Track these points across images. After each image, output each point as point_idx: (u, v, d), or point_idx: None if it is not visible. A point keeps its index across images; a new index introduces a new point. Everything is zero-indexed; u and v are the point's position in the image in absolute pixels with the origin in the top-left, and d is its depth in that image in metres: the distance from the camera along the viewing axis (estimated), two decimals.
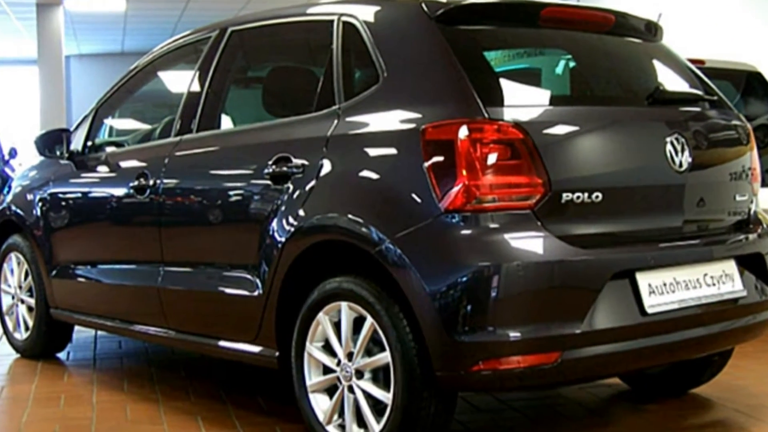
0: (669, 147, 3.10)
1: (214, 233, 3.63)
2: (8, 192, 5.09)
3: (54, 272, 4.53)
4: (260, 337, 3.35)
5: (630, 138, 3.11)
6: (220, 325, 3.62)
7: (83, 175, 4.44)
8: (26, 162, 8.11)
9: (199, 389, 4.11)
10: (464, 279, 2.71)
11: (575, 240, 2.82)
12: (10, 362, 4.81)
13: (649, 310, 2.90)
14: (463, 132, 2.78)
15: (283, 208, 3.22)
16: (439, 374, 2.78)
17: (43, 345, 4.80)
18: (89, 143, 4.49)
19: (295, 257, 3.16)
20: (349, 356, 3.02)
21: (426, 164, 2.82)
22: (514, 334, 2.70)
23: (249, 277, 3.37)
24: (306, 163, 3.19)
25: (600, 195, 2.89)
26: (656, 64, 3.50)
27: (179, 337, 3.83)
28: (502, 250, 2.74)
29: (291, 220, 3.18)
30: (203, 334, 3.69)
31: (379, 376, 2.95)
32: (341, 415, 3.06)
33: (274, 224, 3.24)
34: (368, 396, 2.97)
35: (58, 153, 4.52)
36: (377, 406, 2.96)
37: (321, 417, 3.11)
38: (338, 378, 3.05)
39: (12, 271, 4.93)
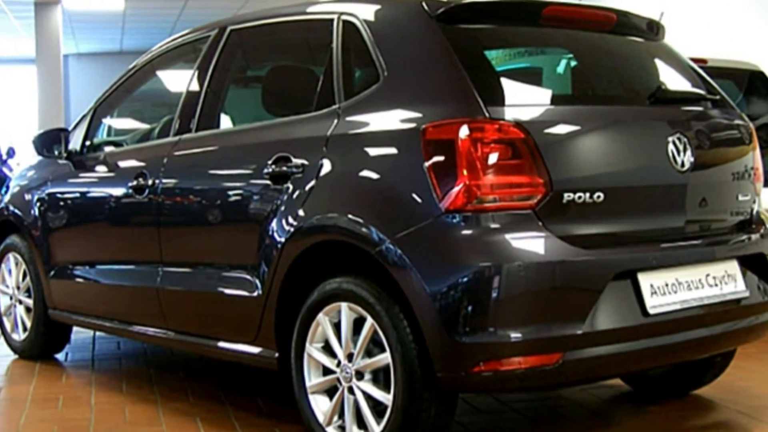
0: (671, 147, 3.08)
1: (214, 233, 3.62)
2: (6, 192, 5.08)
3: (52, 273, 4.52)
4: (260, 338, 3.34)
5: (632, 138, 3.10)
6: (220, 325, 3.61)
7: (81, 175, 4.43)
8: (24, 162, 8.09)
9: (198, 390, 4.10)
10: (465, 279, 2.70)
11: (577, 240, 2.81)
12: (8, 363, 4.79)
13: (651, 311, 2.89)
14: (463, 131, 2.77)
15: (282, 208, 3.21)
16: (439, 375, 2.77)
17: (41, 346, 4.79)
18: (88, 143, 4.48)
19: (295, 257, 3.15)
20: (349, 357, 3.00)
21: (426, 164, 2.81)
22: (515, 335, 2.69)
23: (248, 277, 3.36)
24: (306, 162, 3.18)
25: (602, 195, 2.88)
26: (658, 63, 3.49)
27: (178, 338, 3.81)
28: (503, 251, 2.73)
29: (291, 220, 3.16)
30: (202, 335, 3.68)
31: (380, 377, 2.94)
32: (341, 416, 3.05)
33: (274, 224, 3.23)
34: (368, 397, 2.96)
35: (56, 153, 4.51)
36: (377, 408, 2.94)
37: (321, 418, 3.10)
38: (338, 379, 3.04)
39: (10, 272, 4.92)
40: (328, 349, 3.09)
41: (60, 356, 4.91)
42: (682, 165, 3.10)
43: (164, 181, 3.80)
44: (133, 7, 14.38)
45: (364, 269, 2.97)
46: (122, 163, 4.22)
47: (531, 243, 2.75)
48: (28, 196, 4.71)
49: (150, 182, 3.85)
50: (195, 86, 3.87)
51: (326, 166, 3.11)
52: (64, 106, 14.18)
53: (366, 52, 3.16)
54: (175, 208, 3.78)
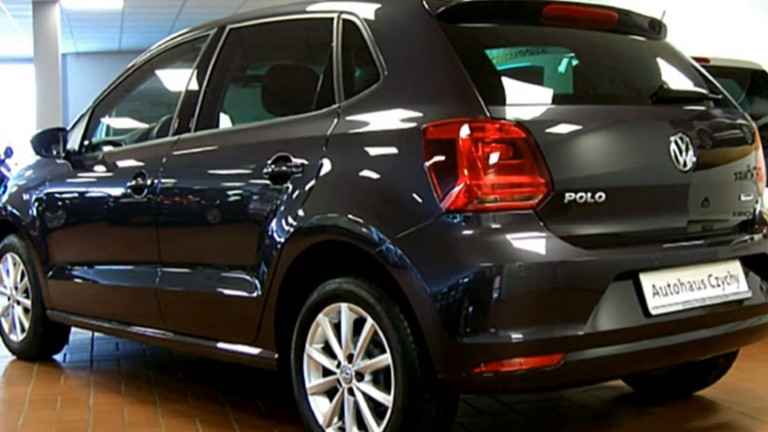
0: (673, 146, 3.07)
1: (213, 234, 3.61)
2: (4, 192, 5.06)
3: (50, 273, 4.50)
4: (259, 339, 3.33)
5: (633, 137, 3.08)
6: (219, 326, 3.59)
7: (80, 174, 4.42)
8: (22, 161, 8.08)
9: (197, 392, 4.08)
10: (466, 280, 2.69)
11: (578, 240, 2.80)
12: (6, 364, 4.78)
13: (653, 312, 2.87)
14: (464, 131, 2.76)
15: (282, 208, 3.20)
16: (440, 376, 2.76)
17: (39, 347, 4.78)
18: (86, 142, 4.47)
19: (295, 258, 3.14)
20: (349, 358, 2.99)
21: (427, 164, 2.79)
22: (516, 336, 2.68)
23: (248, 278, 3.34)
24: (305, 162, 3.16)
25: (603, 195, 2.87)
26: (660, 62, 3.48)
27: (177, 339, 3.80)
28: (504, 251, 2.71)
29: (290, 220, 3.15)
30: (201, 336, 3.67)
31: (380, 378, 2.93)
32: (341, 417, 3.04)
33: (273, 224, 3.21)
34: (368, 398, 2.95)
35: (54, 152, 4.51)
36: (378, 409, 2.93)
37: (321, 420, 3.09)
38: (338, 380, 3.03)
39: (8, 272, 4.91)
40: (328, 350, 3.08)
41: (58, 357, 4.89)
42: (685, 165, 3.09)
43: (163, 180, 3.79)
44: (132, 6, 14.36)
45: (365, 270, 2.96)
46: (121, 163, 4.20)
47: (532, 243, 2.74)
48: (26, 196, 4.69)
49: (149, 182, 3.84)
50: (194, 85, 3.86)
51: (326, 166, 3.10)
52: (62, 105, 14.17)
53: (366, 51, 3.14)
54: (174, 208, 3.77)
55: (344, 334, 3.00)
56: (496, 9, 3.13)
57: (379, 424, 2.90)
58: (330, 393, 3.08)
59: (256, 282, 3.30)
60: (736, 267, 3.16)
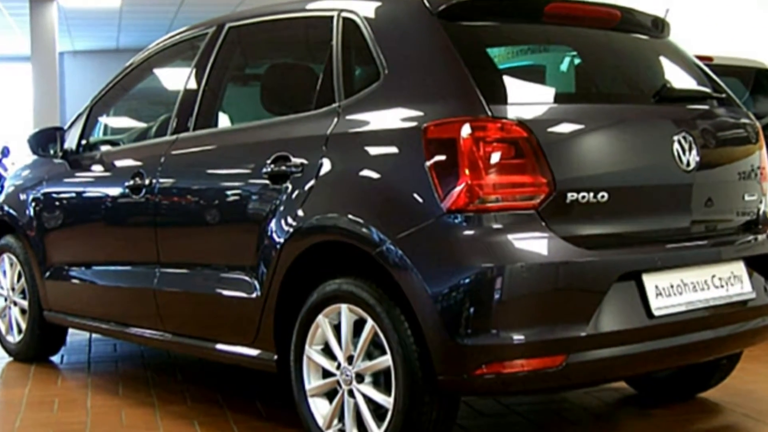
0: (676, 146, 3.06)
1: (212, 234, 3.59)
2: (1, 192, 5.05)
3: (47, 274, 4.49)
4: (258, 340, 3.31)
5: (636, 137, 3.07)
6: (218, 327, 3.58)
7: (77, 174, 4.41)
8: (19, 161, 8.06)
9: (196, 393, 4.07)
10: (467, 280, 2.67)
11: (580, 241, 2.78)
12: (3, 366, 4.76)
13: (656, 313, 2.86)
14: (465, 130, 2.74)
15: (281, 208, 3.18)
16: (441, 378, 2.74)
17: (36, 348, 4.76)
18: (84, 142, 4.46)
19: (294, 258, 3.12)
20: (350, 360, 2.97)
21: (428, 163, 2.78)
22: (518, 337, 2.66)
23: (247, 278, 3.32)
24: (305, 162, 3.14)
25: (605, 195, 2.85)
26: (663, 61, 3.47)
27: (176, 340, 3.79)
28: (506, 251, 2.69)
29: (290, 220, 3.13)
30: (200, 337, 3.66)
31: (380, 380, 2.91)
32: (341, 419, 3.02)
33: (273, 225, 3.19)
34: (369, 400, 2.93)
35: (51, 152, 4.50)
36: (378, 411, 2.92)
37: (320, 422, 3.07)
38: (338, 382, 3.01)
39: (4, 273, 4.89)
40: (327, 352, 3.06)
41: (55, 359, 4.88)
42: (688, 164, 3.07)
43: (161, 180, 3.77)
44: (130, 4, 14.35)
45: (365, 270, 2.94)
46: (119, 163, 4.19)
47: (534, 244, 2.72)
48: (23, 196, 4.68)
49: (147, 182, 3.82)
50: (193, 84, 3.85)
51: (326, 166, 3.08)
52: (59, 104, 14.17)
53: (366, 50, 3.13)
54: (173, 208, 3.75)
55: (344, 336, 2.98)
56: (498, 7, 3.12)
57: (379, 426, 2.89)
58: (330, 395, 3.06)
59: (256, 283, 3.28)
60: (739, 267, 3.14)
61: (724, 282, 3.07)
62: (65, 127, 4.59)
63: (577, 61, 3.48)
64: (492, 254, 2.68)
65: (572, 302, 2.74)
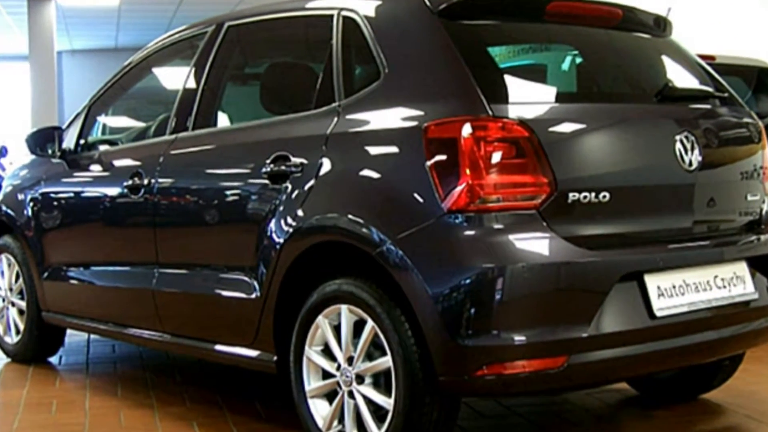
0: (678, 145, 3.04)
1: (211, 234, 3.58)
2: None
3: (46, 274, 4.47)
4: (258, 341, 3.30)
5: (638, 136, 3.05)
6: (217, 328, 3.56)
7: (76, 174, 4.40)
8: (17, 161, 8.05)
9: (195, 395, 4.06)
10: (468, 281, 2.66)
11: (582, 241, 2.77)
12: (1, 367, 4.75)
13: (658, 313, 2.84)
14: (466, 130, 2.72)
15: (281, 208, 3.16)
16: (441, 379, 2.73)
17: (34, 349, 4.74)
18: (82, 141, 4.45)
19: (294, 259, 3.11)
20: (350, 360, 2.96)
21: (428, 163, 2.76)
22: (519, 338, 2.65)
23: (246, 279, 3.31)
24: (305, 161, 3.13)
25: (607, 195, 2.84)
26: (665, 60, 3.45)
27: (174, 341, 3.78)
28: (507, 252, 2.68)
29: (289, 220, 3.12)
30: (199, 338, 3.64)
31: (380, 381, 2.90)
32: (341, 421, 3.01)
33: (272, 225, 3.18)
34: (369, 401, 2.92)
35: (49, 151, 4.49)
36: (378, 412, 2.90)
37: (320, 423, 3.06)
38: (338, 383, 3.00)
39: (2, 273, 4.88)
40: (327, 353, 3.05)
41: (54, 360, 4.87)
42: (690, 164, 3.05)
43: (160, 180, 3.75)
44: (129, 3, 14.33)
45: (365, 271, 2.93)
46: (117, 162, 4.18)
47: (535, 244, 2.71)
48: (21, 196, 4.67)
49: (146, 182, 3.81)
50: (192, 84, 3.84)
51: (326, 166, 3.06)
52: (57, 103, 14.16)
53: (366, 49, 3.11)
54: (172, 208, 3.74)
55: (344, 336, 2.97)
56: (499, 6, 3.11)
57: (379, 428, 2.87)
58: (330, 396, 3.05)
59: (255, 283, 3.26)
60: (742, 268, 3.12)
61: (726, 282, 3.05)
62: (63, 127, 4.58)
63: (578, 60, 3.47)
64: (493, 254, 2.67)
65: (574, 303, 2.73)
